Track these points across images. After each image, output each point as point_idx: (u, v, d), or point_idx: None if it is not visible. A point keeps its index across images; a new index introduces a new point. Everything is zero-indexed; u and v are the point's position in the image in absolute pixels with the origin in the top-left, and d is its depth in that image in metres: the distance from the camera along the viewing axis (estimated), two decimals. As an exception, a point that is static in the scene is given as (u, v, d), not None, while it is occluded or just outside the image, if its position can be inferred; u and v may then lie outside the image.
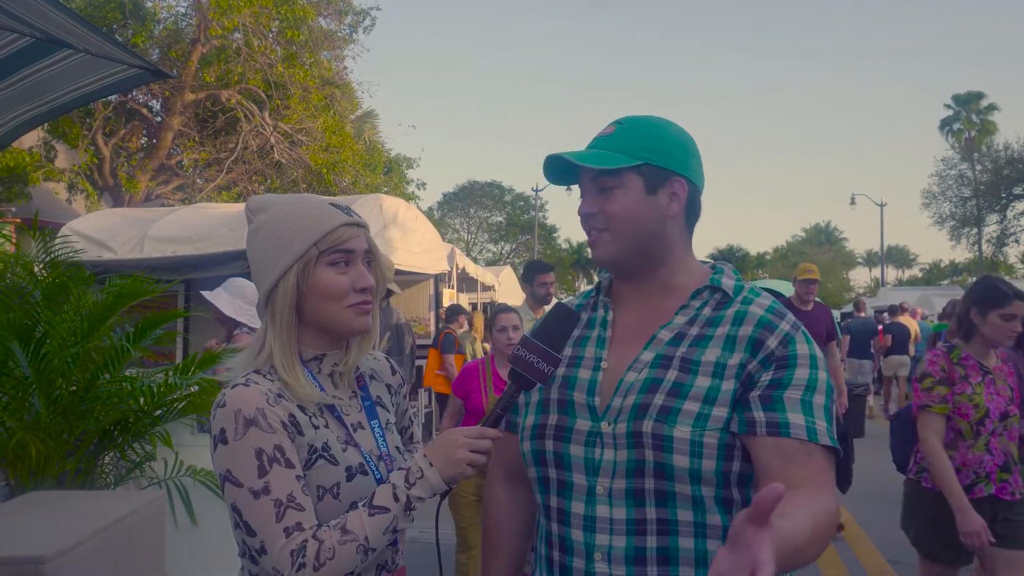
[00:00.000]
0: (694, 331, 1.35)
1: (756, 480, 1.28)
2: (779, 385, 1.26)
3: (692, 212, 1.42)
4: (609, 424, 1.32)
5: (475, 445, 1.32)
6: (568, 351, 1.45)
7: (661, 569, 1.27)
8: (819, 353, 1.32)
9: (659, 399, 1.29)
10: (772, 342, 1.29)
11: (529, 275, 5.12)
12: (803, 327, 1.35)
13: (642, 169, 1.36)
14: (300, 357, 1.41)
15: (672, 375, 1.30)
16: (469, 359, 8.57)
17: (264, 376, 1.36)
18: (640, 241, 1.38)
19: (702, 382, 1.29)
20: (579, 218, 1.43)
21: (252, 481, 1.26)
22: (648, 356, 1.35)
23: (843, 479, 5.89)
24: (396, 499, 1.30)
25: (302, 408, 1.37)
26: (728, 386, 1.28)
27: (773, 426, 1.24)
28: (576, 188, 1.45)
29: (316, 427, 1.37)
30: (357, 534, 1.27)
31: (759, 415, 1.25)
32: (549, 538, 1.39)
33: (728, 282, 1.40)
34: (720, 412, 1.27)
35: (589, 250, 1.44)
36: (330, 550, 1.24)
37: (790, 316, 1.35)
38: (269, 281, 1.39)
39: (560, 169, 1.44)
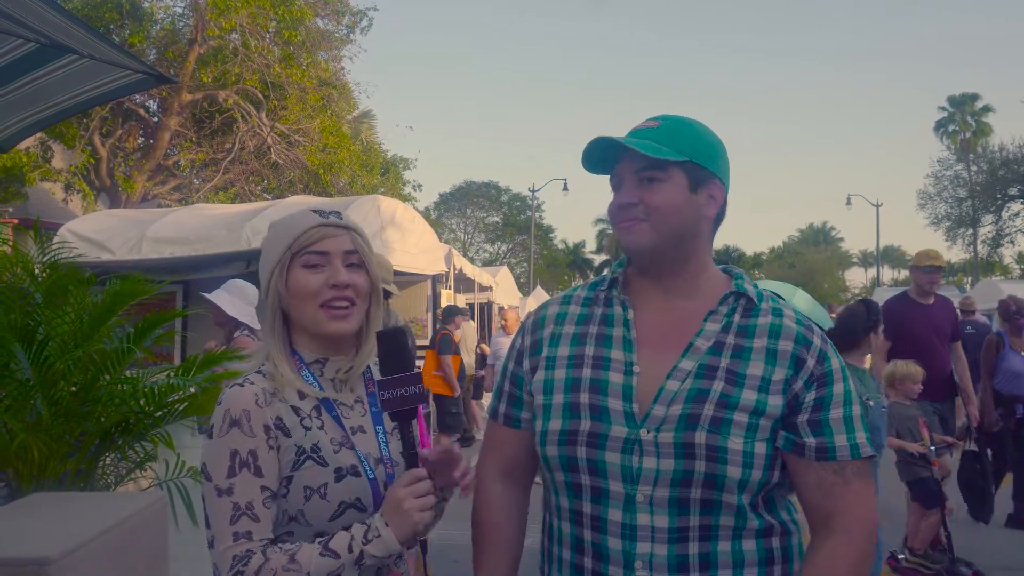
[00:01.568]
0: (731, 340, 1.36)
1: (796, 492, 1.37)
2: (822, 405, 1.33)
3: (720, 217, 1.43)
4: (650, 432, 1.31)
5: (416, 492, 1.33)
6: (589, 350, 1.42)
7: (702, 575, 1.29)
8: (843, 363, 1.38)
9: (709, 410, 1.30)
10: (811, 361, 1.34)
11: None
12: (827, 337, 1.39)
13: (686, 166, 1.36)
14: (302, 359, 1.45)
15: (719, 386, 1.32)
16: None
17: (264, 376, 1.41)
18: (677, 236, 1.37)
19: (749, 395, 1.31)
20: (610, 209, 1.42)
21: (220, 479, 1.32)
22: (689, 365, 1.35)
23: (979, 509, 5.24)
24: (350, 550, 1.31)
25: (295, 409, 1.39)
26: (776, 400, 1.32)
27: (822, 451, 1.32)
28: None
29: (308, 428, 1.39)
30: (302, 567, 1.29)
31: (809, 440, 1.32)
32: (578, 544, 1.37)
33: (751, 288, 1.42)
34: (766, 423, 1.31)
35: (620, 240, 1.42)
36: (271, 572, 1.27)
37: (817, 328, 1.39)
38: (263, 289, 1.47)
39: (596, 157, 1.41)
